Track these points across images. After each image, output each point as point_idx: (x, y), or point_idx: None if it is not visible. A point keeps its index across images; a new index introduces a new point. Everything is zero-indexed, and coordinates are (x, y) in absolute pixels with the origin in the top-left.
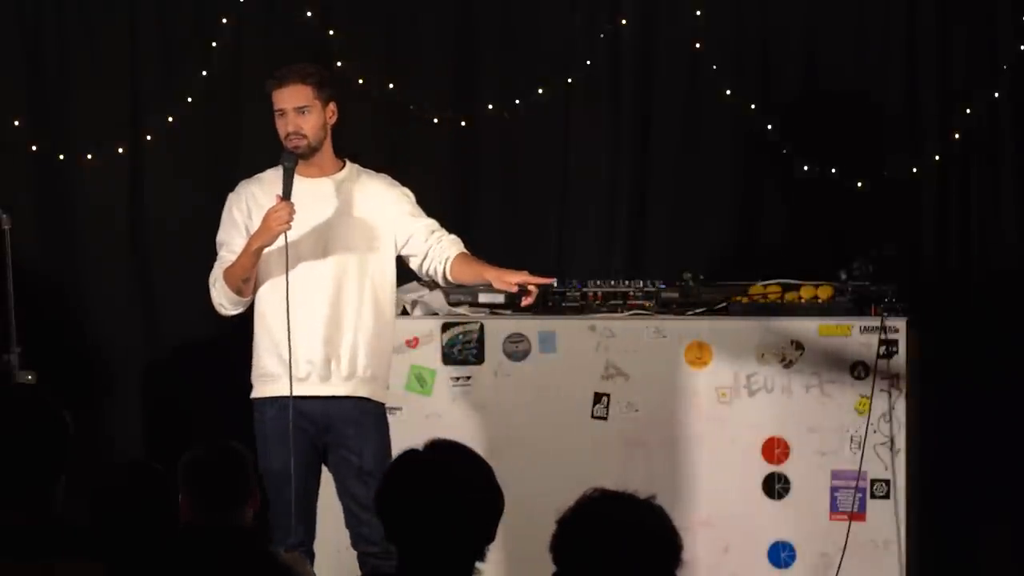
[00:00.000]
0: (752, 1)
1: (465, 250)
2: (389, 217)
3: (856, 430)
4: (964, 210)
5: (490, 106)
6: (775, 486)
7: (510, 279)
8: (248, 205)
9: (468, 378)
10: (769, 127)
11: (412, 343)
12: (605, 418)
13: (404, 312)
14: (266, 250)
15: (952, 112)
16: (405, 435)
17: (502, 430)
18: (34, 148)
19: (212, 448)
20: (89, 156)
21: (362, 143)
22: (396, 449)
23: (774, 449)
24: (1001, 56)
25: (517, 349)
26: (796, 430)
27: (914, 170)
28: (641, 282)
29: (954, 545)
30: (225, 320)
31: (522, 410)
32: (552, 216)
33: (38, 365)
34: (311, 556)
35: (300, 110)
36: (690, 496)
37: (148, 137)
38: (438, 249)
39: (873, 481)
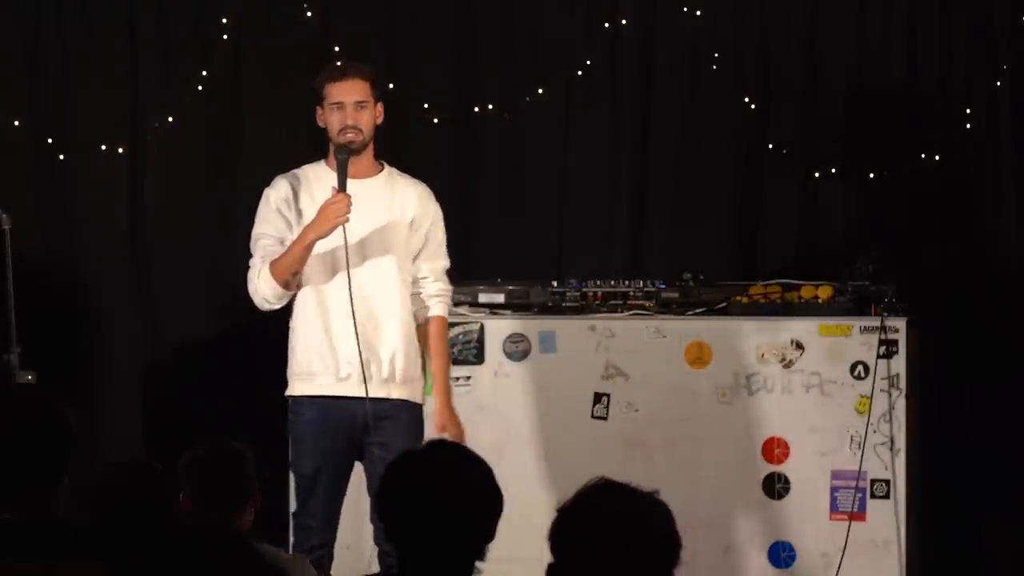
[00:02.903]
0: (752, 1)
1: (442, 312)
2: (420, 232)
3: (856, 430)
4: (964, 210)
5: (490, 106)
6: (775, 486)
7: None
8: (289, 198)
9: (468, 378)
10: (769, 127)
11: None
12: (605, 418)
13: None
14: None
15: (952, 112)
16: None
17: (502, 430)
18: (36, 148)
19: (213, 448)
20: (89, 156)
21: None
22: None
23: (774, 449)
24: (1001, 56)
25: (517, 349)
26: (796, 430)
27: (915, 170)
28: (641, 282)
29: (954, 545)
30: (225, 319)
31: (522, 410)
32: (552, 216)
33: (38, 365)
34: (331, 558)
35: (359, 104)
36: (690, 496)
37: (148, 137)
38: (424, 300)
39: (873, 481)
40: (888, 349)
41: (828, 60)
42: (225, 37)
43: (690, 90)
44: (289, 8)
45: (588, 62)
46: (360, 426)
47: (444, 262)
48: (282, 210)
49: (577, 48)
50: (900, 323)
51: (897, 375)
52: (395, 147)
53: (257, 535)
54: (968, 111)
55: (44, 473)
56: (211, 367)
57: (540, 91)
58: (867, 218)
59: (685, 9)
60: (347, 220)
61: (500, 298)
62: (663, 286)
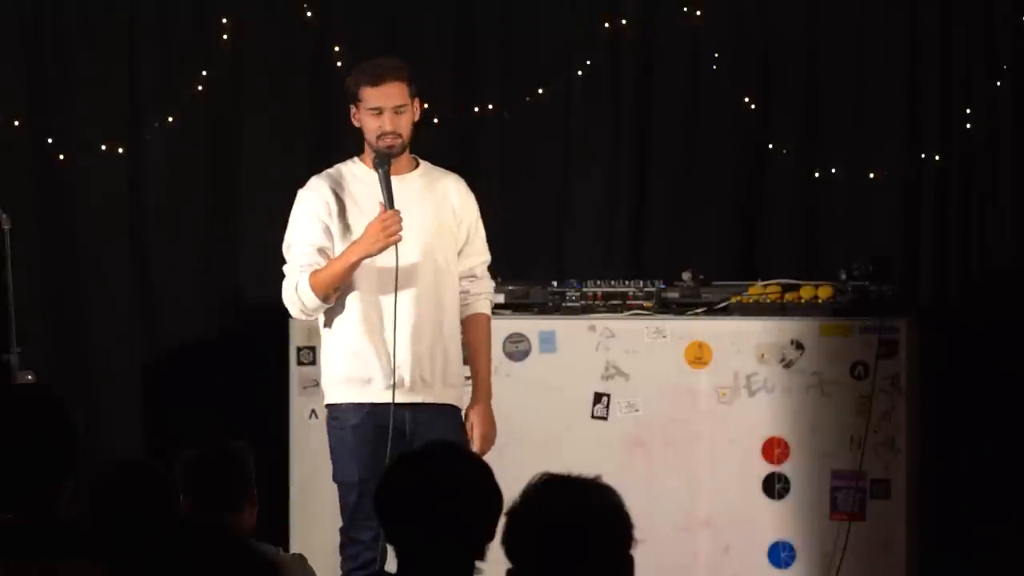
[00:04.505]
0: (752, 1)
1: (488, 311)
2: (463, 228)
3: (856, 430)
4: (964, 210)
5: (490, 106)
6: (775, 486)
7: (470, 421)
8: (329, 201)
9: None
10: (769, 127)
11: None
12: (605, 418)
13: None
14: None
15: (952, 112)
16: None
17: (502, 430)
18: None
19: (210, 448)
20: (89, 156)
21: (362, 143)
22: None
23: (774, 449)
24: (1001, 56)
25: (517, 349)
26: (796, 430)
27: (914, 170)
28: (641, 282)
29: (954, 545)
30: (225, 319)
31: (522, 410)
32: (552, 216)
33: (38, 365)
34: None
35: (398, 109)
36: (690, 496)
37: (148, 137)
38: (469, 297)
39: (873, 481)
40: (888, 349)
41: (828, 60)
42: (225, 37)
43: (690, 90)
44: (289, 8)
45: (588, 62)
46: (407, 431)
47: (486, 256)
48: (320, 214)
49: (577, 48)
50: (900, 323)
51: (897, 375)
52: None
53: (257, 535)
54: (968, 111)
55: (47, 473)
56: (211, 367)
57: (540, 91)
58: (867, 218)
59: (685, 9)
60: (400, 239)
61: (500, 298)
62: (663, 286)
